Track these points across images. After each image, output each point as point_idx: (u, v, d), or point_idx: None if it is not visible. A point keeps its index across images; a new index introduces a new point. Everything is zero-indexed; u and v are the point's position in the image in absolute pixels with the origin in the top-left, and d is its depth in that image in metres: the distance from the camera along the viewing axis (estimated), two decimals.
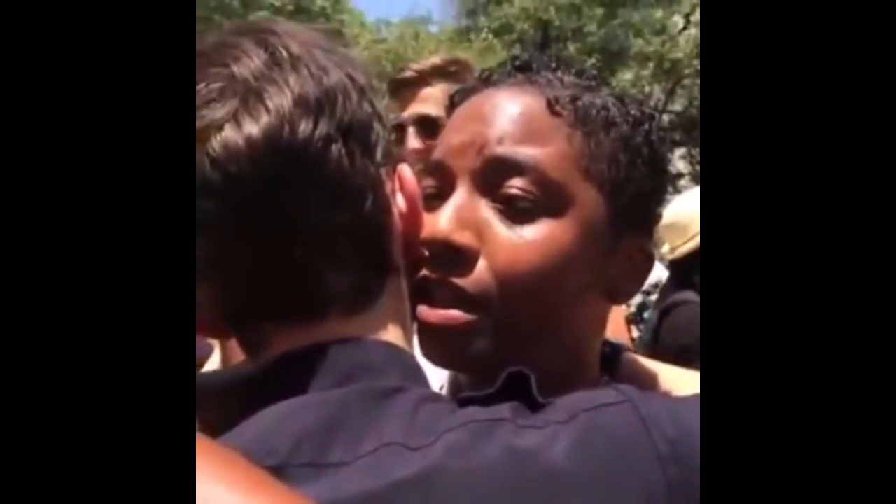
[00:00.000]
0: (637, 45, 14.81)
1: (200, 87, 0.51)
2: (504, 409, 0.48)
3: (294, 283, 0.53)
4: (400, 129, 1.55)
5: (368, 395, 0.50)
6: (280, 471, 0.44)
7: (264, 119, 0.50)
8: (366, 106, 0.56)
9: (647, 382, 0.72)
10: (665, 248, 2.27)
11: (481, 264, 0.62)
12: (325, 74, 0.54)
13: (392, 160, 0.59)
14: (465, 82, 0.78)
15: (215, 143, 0.50)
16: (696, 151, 14.76)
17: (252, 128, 0.50)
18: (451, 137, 0.68)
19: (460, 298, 0.61)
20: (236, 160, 0.50)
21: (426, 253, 0.62)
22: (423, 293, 0.63)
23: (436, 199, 0.66)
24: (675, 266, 2.24)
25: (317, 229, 0.52)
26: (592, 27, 15.30)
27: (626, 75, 13.23)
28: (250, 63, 0.52)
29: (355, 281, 0.54)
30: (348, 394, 0.50)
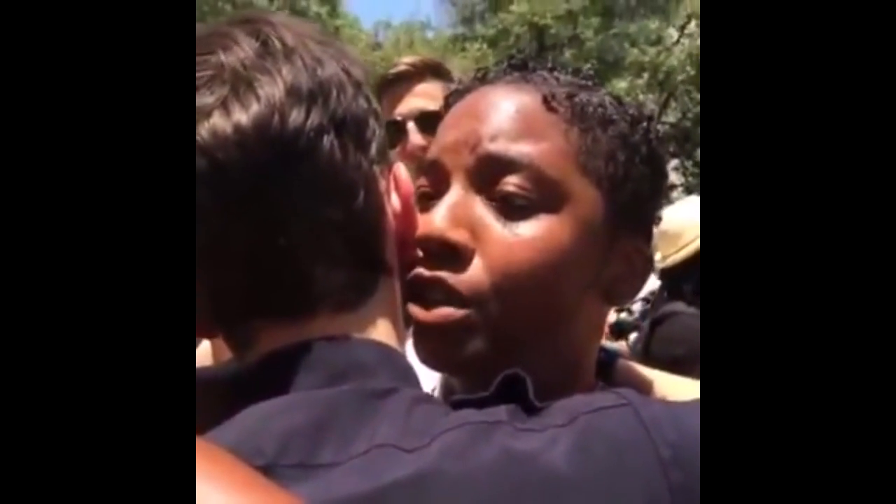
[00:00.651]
0: (632, 54, 14.91)
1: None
2: (501, 412, 0.47)
3: (282, 278, 0.52)
4: (396, 126, 1.48)
5: (360, 396, 0.48)
6: (268, 471, 0.43)
7: (254, 107, 0.49)
8: (361, 101, 0.55)
9: (643, 390, 0.71)
10: (658, 257, 2.27)
11: (476, 262, 0.61)
12: (320, 66, 0.53)
13: (387, 159, 0.58)
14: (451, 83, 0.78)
15: (203, 130, 0.49)
16: (688, 163, 14.86)
17: (241, 116, 0.49)
18: (446, 135, 0.67)
19: (455, 297, 0.60)
20: (224, 147, 0.49)
21: (420, 252, 0.61)
22: (417, 294, 0.62)
23: (431, 198, 0.65)
24: (665, 275, 2.24)
25: (306, 222, 0.51)
26: (589, 35, 15.39)
27: (621, 84, 13.29)
28: (240, 52, 0.51)
29: (346, 278, 0.53)
30: (339, 393, 0.49)
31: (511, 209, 0.62)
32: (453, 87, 0.75)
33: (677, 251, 2.12)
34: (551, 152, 0.63)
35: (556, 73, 0.70)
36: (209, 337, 0.58)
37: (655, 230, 0.71)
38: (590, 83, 0.70)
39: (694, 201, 2.30)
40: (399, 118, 1.50)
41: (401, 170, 0.59)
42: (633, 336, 2.85)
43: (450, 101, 0.72)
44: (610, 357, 0.75)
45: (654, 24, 15.33)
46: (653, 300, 2.51)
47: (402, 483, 0.43)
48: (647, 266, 0.68)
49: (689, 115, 14.78)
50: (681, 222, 2.08)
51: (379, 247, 0.56)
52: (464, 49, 15.18)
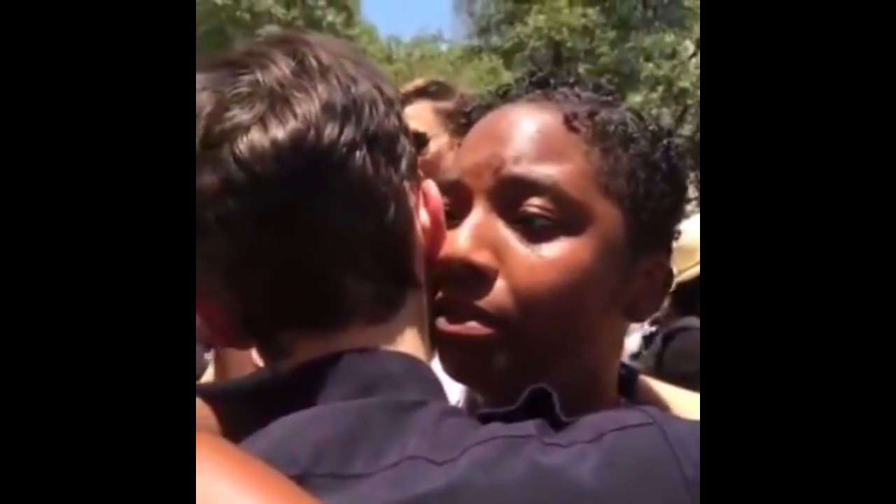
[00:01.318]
0: (647, 68, 14.89)
1: (227, 90, 0.52)
2: (529, 426, 0.48)
3: (314, 289, 0.53)
4: None
5: (390, 408, 0.49)
6: (301, 480, 0.44)
7: (291, 123, 0.51)
8: (393, 118, 0.56)
9: (664, 407, 0.72)
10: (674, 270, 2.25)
11: (500, 284, 0.62)
12: (354, 84, 0.54)
13: (416, 174, 0.59)
14: (445, 100, 0.78)
15: (241, 144, 0.50)
16: None
17: (278, 131, 0.50)
18: (467, 156, 0.67)
19: (480, 317, 0.61)
20: (261, 161, 0.50)
21: (445, 273, 0.62)
22: (442, 311, 0.62)
23: (451, 217, 0.65)
24: (678, 290, 2.22)
25: (338, 235, 0.52)
26: (604, 49, 15.38)
27: (636, 98, 13.27)
28: (277, 71, 0.53)
29: (376, 290, 0.54)
30: (369, 405, 0.50)
31: (534, 230, 0.63)
32: (443, 104, 0.74)
33: (695, 265, 2.11)
34: (573, 173, 0.63)
35: (577, 90, 0.70)
36: (241, 347, 0.59)
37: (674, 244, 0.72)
38: (611, 98, 0.70)
39: None
40: None
41: (430, 186, 0.60)
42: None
43: (472, 116, 0.73)
44: (630, 373, 0.75)
45: (669, 38, 15.30)
46: (661, 315, 2.49)
47: (432, 495, 0.44)
48: (668, 280, 0.69)
49: None
50: (697, 237, 2.06)
51: (408, 260, 0.57)
52: (479, 60, 15.20)
